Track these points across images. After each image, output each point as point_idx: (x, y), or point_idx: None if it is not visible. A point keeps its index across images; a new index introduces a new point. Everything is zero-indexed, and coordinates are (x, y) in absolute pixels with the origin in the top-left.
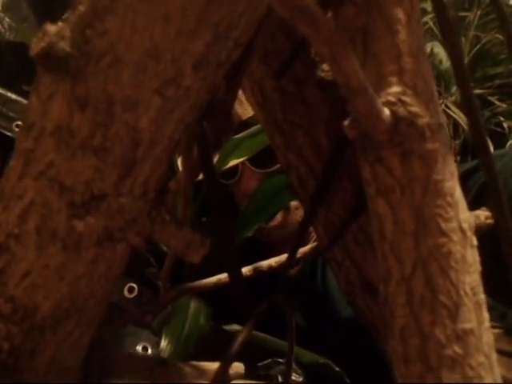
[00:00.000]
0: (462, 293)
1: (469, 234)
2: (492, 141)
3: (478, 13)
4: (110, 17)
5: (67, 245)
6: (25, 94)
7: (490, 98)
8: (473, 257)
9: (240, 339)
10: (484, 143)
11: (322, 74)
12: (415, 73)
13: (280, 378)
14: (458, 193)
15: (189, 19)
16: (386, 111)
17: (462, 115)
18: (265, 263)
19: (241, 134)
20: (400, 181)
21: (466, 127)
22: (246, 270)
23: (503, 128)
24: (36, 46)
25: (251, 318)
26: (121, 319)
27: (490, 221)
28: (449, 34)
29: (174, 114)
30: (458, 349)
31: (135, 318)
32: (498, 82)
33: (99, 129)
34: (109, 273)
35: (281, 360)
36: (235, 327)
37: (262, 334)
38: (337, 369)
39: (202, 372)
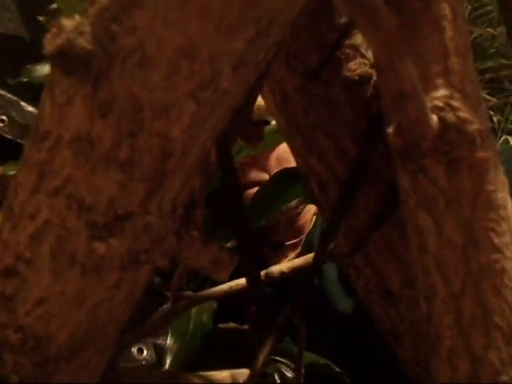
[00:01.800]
0: None
1: None
2: None
3: (469, 7)
4: (139, 10)
5: (87, 269)
6: (9, 88)
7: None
8: None
9: (264, 352)
10: None
11: (349, 74)
12: (463, 74)
13: (276, 376)
14: (510, 205)
15: (229, 13)
16: (434, 118)
17: None
18: (276, 269)
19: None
20: (445, 192)
21: None
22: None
23: (493, 122)
24: (50, 44)
25: (273, 331)
26: (133, 333)
27: None
28: None
29: (209, 120)
30: None
31: (148, 332)
32: (488, 76)
33: (125, 139)
34: (130, 297)
35: (277, 358)
36: (232, 325)
37: (258, 333)
38: (337, 369)
39: (210, 382)
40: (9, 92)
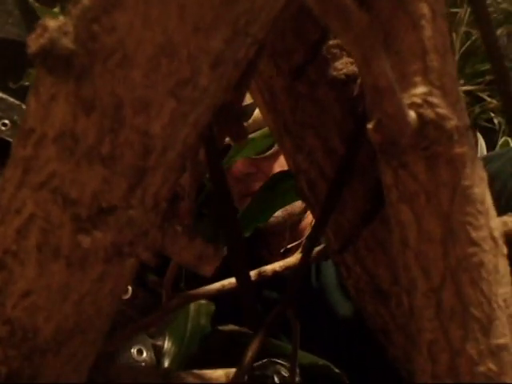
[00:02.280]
0: (494, 305)
1: (500, 242)
2: (483, 137)
3: (469, 9)
4: (119, 10)
5: (72, 262)
6: (11, 92)
7: (481, 94)
8: (504, 267)
9: (252, 349)
10: None
11: (335, 73)
12: (442, 71)
13: (276, 378)
14: (488, 199)
15: (207, 13)
16: (412, 114)
17: None
18: (269, 268)
19: (254, 134)
20: (425, 187)
21: None
22: (250, 274)
23: (494, 124)
24: (34, 44)
25: (261, 327)
26: (126, 329)
27: None
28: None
29: (189, 117)
30: (491, 365)
31: (140, 327)
32: (488, 78)
33: (107, 135)
34: (116, 289)
35: (277, 360)
36: (231, 327)
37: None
38: (336, 370)
39: (204, 381)
40: (11, 96)
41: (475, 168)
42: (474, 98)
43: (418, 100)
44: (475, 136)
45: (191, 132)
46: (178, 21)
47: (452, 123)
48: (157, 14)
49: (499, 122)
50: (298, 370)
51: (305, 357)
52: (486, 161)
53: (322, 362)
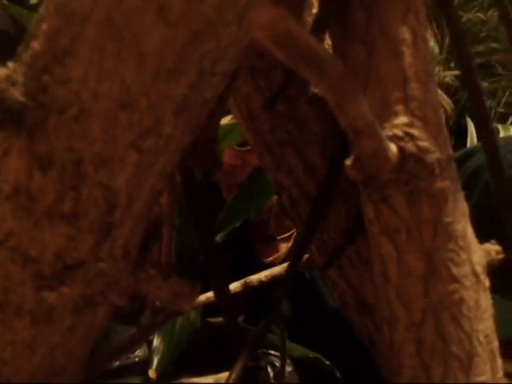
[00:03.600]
0: (475, 342)
1: (482, 277)
2: (473, 121)
3: None
4: (72, 60)
5: (37, 318)
6: None
7: None
8: (486, 301)
9: (238, 367)
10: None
11: (315, 91)
12: (423, 100)
13: (269, 369)
14: (470, 233)
15: (167, 58)
16: (393, 147)
17: (445, 97)
18: (255, 278)
19: (231, 121)
20: (407, 222)
21: (449, 109)
22: (235, 285)
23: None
24: None
25: (246, 345)
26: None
27: (500, 256)
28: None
29: (154, 167)
30: None
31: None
32: (478, 60)
33: (68, 192)
34: (88, 335)
35: (270, 351)
36: (221, 319)
37: (250, 327)
38: (327, 362)
39: None
40: None
41: (457, 203)
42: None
43: (399, 132)
44: (465, 121)
45: (158, 180)
46: (136, 70)
47: (433, 156)
48: (113, 64)
49: (490, 106)
50: (289, 361)
51: (296, 349)
52: (474, 151)
53: (312, 354)
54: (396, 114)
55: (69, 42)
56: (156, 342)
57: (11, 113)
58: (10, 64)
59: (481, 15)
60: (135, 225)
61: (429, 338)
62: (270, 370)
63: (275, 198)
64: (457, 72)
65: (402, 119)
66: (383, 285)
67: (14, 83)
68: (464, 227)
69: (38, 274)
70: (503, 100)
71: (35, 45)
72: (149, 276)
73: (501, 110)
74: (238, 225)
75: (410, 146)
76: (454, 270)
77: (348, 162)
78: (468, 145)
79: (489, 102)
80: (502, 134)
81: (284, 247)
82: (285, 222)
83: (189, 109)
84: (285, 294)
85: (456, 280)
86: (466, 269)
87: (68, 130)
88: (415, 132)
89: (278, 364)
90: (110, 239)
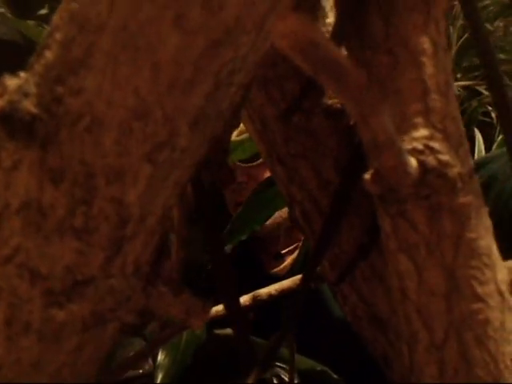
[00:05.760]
0: (501, 366)
1: (507, 295)
2: (480, 131)
3: None
4: (86, 70)
5: (44, 336)
6: None
7: (478, 88)
8: (511, 323)
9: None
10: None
11: (330, 102)
12: (444, 113)
13: (275, 381)
14: (495, 250)
15: (184, 68)
16: (413, 162)
17: None
18: (264, 291)
19: (241, 137)
20: (426, 237)
21: None
22: (244, 299)
23: (491, 118)
24: None
25: (256, 367)
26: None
27: None
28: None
29: (168, 180)
30: None
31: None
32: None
33: (79, 206)
34: (97, 354)
35: (276, 363)
36: (228, 331)
37: (255, 338)
38: (334, 376)
39: None
40: None
41: (481, 218)
42: (471, 92)
43: (419, 145)
44: (472, 131)
45: (172, 193)
46: (152, 80)
47: (455, 170)
48: (127, 73)
49: (497, 116)
50: (295, 375)
51: (303, 362)
52: (485, 162)
53: (320, 367)
54: (416, 127)
55: (83, 51)
56: (161, 356)
57: (23, 124)
58: (22, 74)
59: (488, 25)
60: (147, 240)
61: (451, 360)
62: (275, 381)
63: (283, 214)
64: (463, 82)
65: (422, 132)
66: (401, 301)
67: (25, 94)
68: (488, 244)
69: (47, 290)
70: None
71: (48, 54)
72: (160, 293)
73: None
74: (244, 238)
75: (430, 160)
76: (479, 289)
77: (367, 175)
78: (476, 155)
79: (495, 113)
80: None
81: (289, 258)
82: (291, 236)
83: (204, 121)
84: (298, 310)
85: (480, 299)
86: (491, 287)
87: (80, 141)
88: (436, 145)
89: (283, 376)
90: (121, 255)
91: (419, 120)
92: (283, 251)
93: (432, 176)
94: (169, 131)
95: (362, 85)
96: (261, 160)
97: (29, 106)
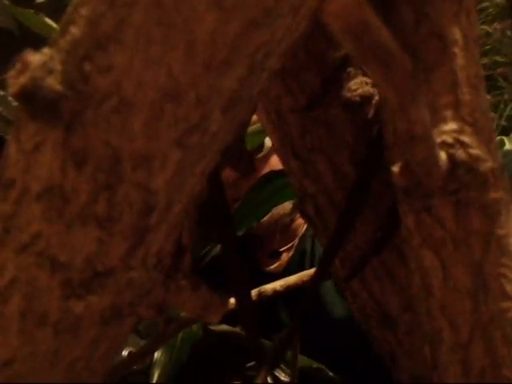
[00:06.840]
0: None
1: None
2: None
3: None
4: (116, 46)
5: (61, 329)
6: None
7: None
8: None
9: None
10: None
11: (349, 95)
12: (474, 106)
13: (269, 379)
14: None
15: (220, 48)
16: (442, 155)
17: None
18: (269, 287)
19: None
20: (453, 233)
21: None
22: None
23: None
24: (14, 83)
25: (264, 364)
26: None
27: None
28: None
29: (197, 167)
30: None
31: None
32: (484, 73)
33: (102, 192)
34: (112, 349)
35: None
36: (224, 327)
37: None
38: (330, 374)
39: None
40: None
41: (510, 214)
42: None
43: (449, 139)
44: None
45: (198, 181)
46: (186, 59)
47: (487, 165)
48: (160, 51)
49: (493, 118)
50: (289, 371)
51: (299, 359)
52: None
53: (316, 365)
54: (445, 120)
55: (113, 27)
56: (157, 353)
57: (47, 103)
58: (45, 50)
59: (486, 27)
60: (170, 230)
61: (477, 360)
62: (269, 380)
63: (280, 210)
64: None
65: (452, 125)
66: (425, 299)
67: (50, 71)
68: None
69: (66, 280)
70: (505, 113)
71: (74, 30)
72: (179, 287)
73: (503, 123)
74: (241, 234)
75: (460, 154)
76: (508, 287)
77: (395, 168)
78: None
79: (493, 116)
80: (507, 147)
81: (285, 256)
82: (287, 233)
83: (236, 105)
84: (309, 308)
85: (509, 297)
86: None
87: (107, 122)
88: (466, 139)
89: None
90: (143, 246)
91: (449, 113)
92: (280, 249)
93: (461, 170)
94: (201, 114)
95: (406, 72)
96: (259, 155)
97: (53, 83)
